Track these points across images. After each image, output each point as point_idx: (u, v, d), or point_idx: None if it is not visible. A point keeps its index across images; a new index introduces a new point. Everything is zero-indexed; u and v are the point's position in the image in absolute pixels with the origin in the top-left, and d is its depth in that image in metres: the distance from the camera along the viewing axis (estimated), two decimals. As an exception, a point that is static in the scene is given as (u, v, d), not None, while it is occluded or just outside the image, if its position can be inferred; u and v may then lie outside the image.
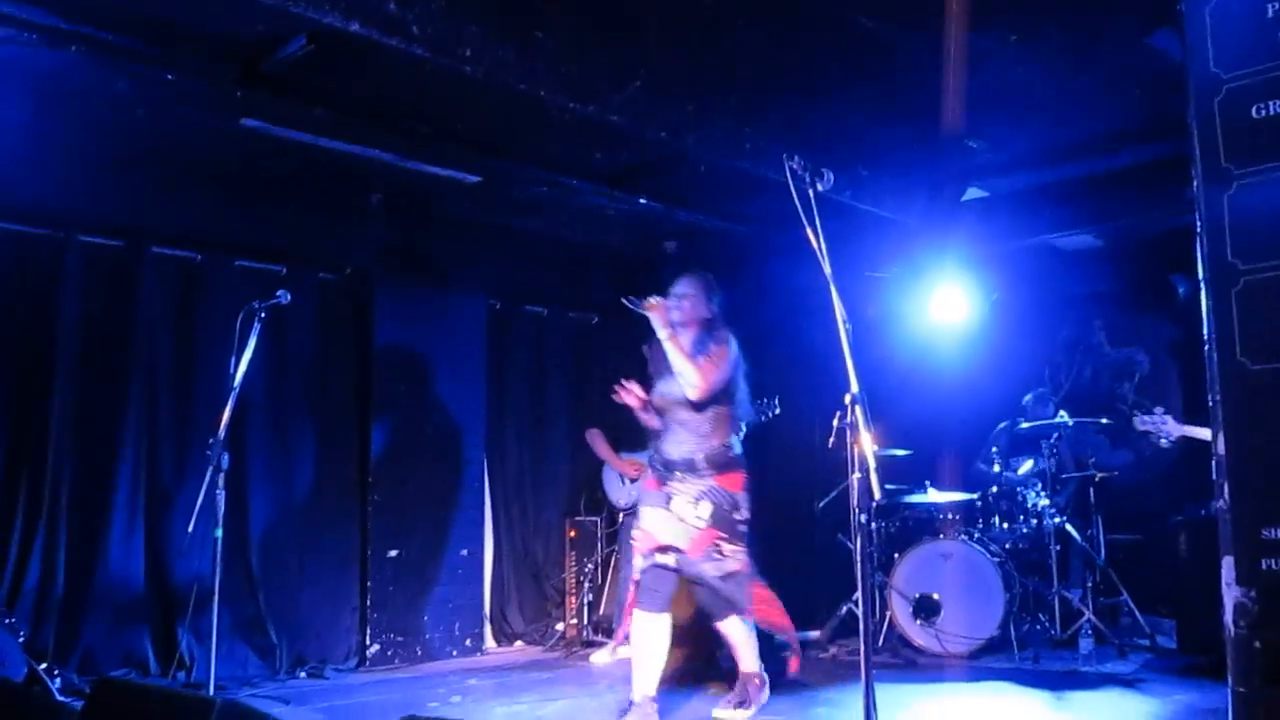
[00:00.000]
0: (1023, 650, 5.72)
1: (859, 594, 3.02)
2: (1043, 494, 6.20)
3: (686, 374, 4.27)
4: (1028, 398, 6.95)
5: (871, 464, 2.99)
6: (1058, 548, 5.99)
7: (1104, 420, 6.55)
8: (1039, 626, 6.08)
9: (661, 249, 7.20)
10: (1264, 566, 2.56)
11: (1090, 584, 5.96)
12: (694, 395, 4.28)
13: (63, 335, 5.18)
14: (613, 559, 6.60)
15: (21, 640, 4.69)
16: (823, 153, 4.00)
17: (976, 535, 6.11)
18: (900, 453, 6.42)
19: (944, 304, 6.99)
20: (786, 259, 6.02)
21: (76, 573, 5.09)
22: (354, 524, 6.10)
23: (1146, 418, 5.54)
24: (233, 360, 4.48)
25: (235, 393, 4.44)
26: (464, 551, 6.54)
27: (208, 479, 4.34)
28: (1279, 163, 2.67)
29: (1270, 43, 2.68)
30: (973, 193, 6.82)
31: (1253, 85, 2.70)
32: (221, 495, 4.34)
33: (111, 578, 5.19)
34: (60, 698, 4.36)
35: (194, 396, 5.53)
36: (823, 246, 3.22)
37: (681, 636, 4.53)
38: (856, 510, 3.03)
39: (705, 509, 4.25)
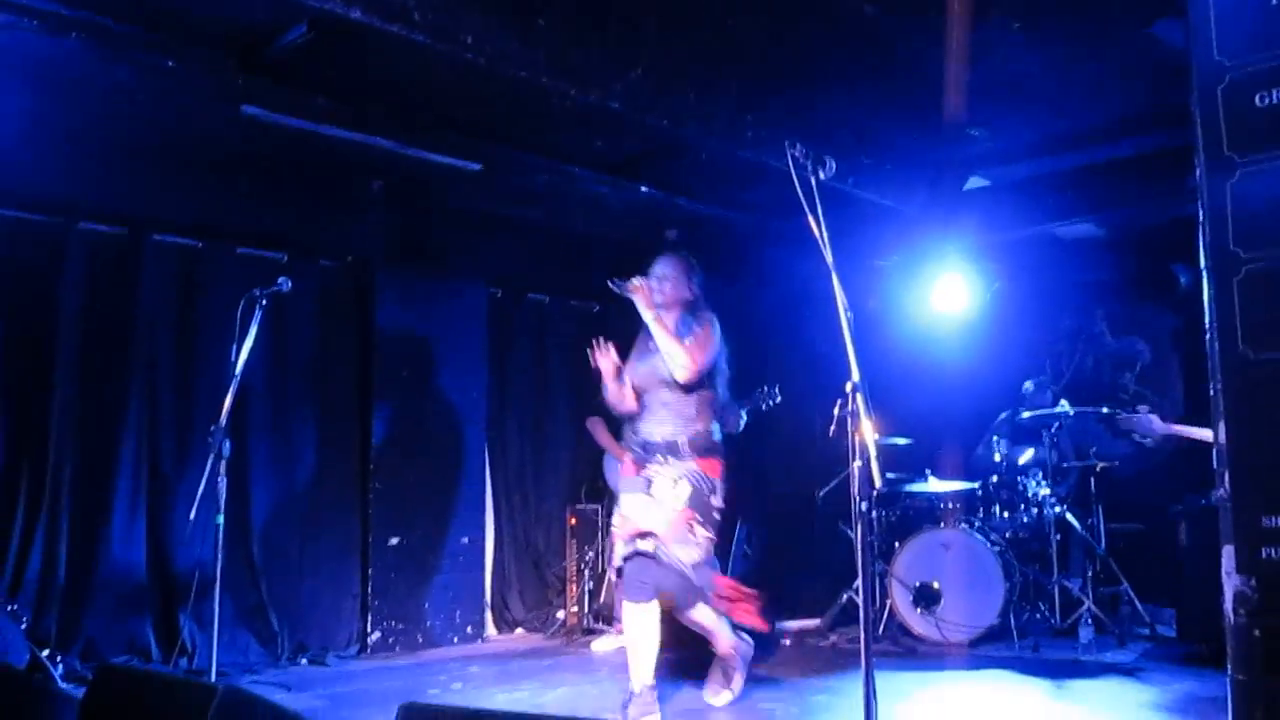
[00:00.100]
0: (1023, 639, 5.74)
1: (859, 582, 3.02)
2: (1043, 483, 6.21)
3: (675, 355, 4.23)
4: (1028, 384, 6.96)
5: (872, 452, 2.98)
6: (1058, 537, 6.01)
7: (1105, 410, 6.54)
8: (1039, 615, 6.09)
9: (663, 237, 7.18)
10: (1264, 555, 2.56)
11: (1090, 573, 5.96)
12: (683, 376, 4.24)
13: (63, 322, 5.18)
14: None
15: (24, 627, 4.71)
16: (824, 141, 4.00)
17: (977, 524, 6.12)
18: (901, 441, 6.43)
19: (945, 293, 7.00)
20: (788, 247, 6.04)
21: (78, 560, 5.09)
22: (355, 511, 6.11)
23: (1129, 416, 5.54)
24: (234, 348, 4.47)
25: (236, 380, 4.43)
26: (465, 539, 6.55)
27: (209, 466, 4.33)
28: (1282, 151, 2.66)
29: (1275, 31, 2.66)
30: (974, 181, 6.82)
31: (1257, 73, 2.68)
32: (223, 483, 4.34)
33: (113, 565, 5.19)
34: (62, 684, 4.39)
35: (195, 384, 5.53)
36: (824, 235, 3.21)
37: (680, 625, 4.53)
38: (857, 498, 3.02)
39: (684, 489, 4.24)
